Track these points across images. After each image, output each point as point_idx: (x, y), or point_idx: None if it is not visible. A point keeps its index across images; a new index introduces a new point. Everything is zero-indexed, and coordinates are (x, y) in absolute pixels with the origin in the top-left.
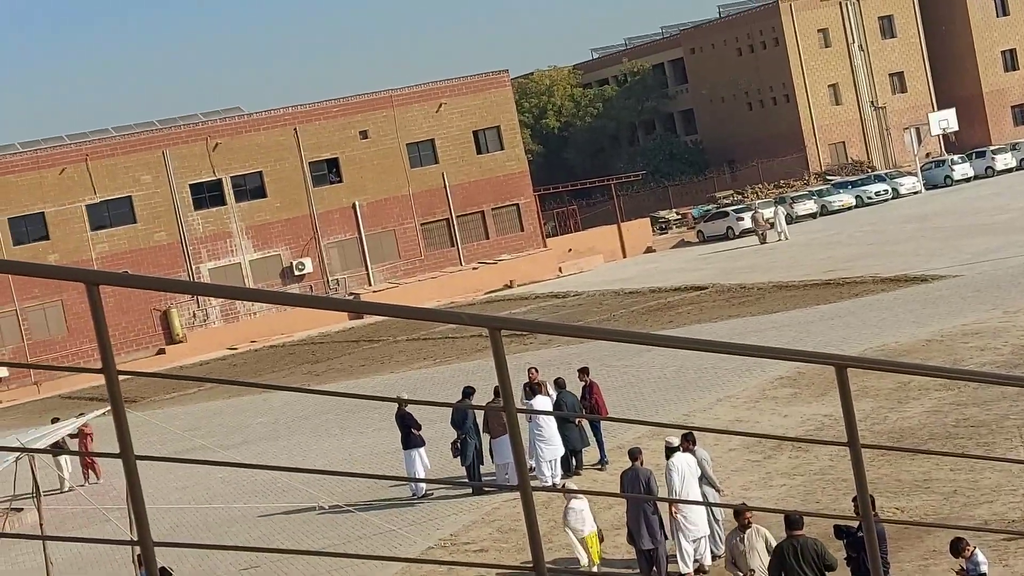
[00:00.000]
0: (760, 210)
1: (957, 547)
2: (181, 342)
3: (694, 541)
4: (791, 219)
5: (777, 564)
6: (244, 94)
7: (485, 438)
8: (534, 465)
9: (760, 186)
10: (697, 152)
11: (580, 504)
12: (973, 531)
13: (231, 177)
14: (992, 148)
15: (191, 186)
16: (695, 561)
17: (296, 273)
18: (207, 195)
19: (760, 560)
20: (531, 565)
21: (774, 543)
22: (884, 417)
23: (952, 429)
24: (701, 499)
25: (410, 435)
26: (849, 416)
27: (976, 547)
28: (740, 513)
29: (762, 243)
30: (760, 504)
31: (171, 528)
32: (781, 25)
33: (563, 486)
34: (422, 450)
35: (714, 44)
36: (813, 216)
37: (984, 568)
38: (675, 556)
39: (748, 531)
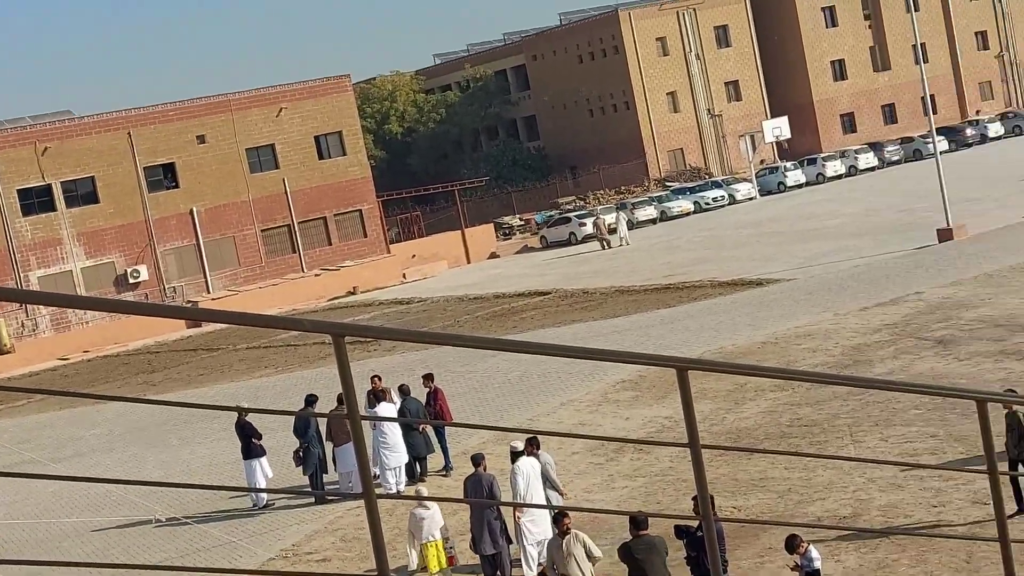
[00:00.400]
0: (602, 216)
1: (792, 544)
2: (9, 352)
3: (537, 544)
4: (632, 225)
5: (625, 563)
6: (74, 98)
7: (328, 447)
8: (378, 473)
9: (602, 192)
10: (540, 158)
11: (425, 512)
12: (807, 527)
13: (61, 182)
14: (823, 155)
15: (19, 191)
16: (539, 564)
17: (131, 281)
18: (36, 200)
19: (577, 566)
20: (375, 574)
21: (593, 548)
22: (722, 418)
23: (786, 429)
24: (545, 503)
25: (250, 445)
26: (690, 417)
27: (810, 543)
28: (558, 520)
29: (604, 248)
30: (603, 506)
31: None
32: (620, 33)
33: (416, 492)
34: (263, 459)
35: (555, 51)
36: (653, 222)
37: (817, 564)
38: (519, 560)
39: (567, 537)
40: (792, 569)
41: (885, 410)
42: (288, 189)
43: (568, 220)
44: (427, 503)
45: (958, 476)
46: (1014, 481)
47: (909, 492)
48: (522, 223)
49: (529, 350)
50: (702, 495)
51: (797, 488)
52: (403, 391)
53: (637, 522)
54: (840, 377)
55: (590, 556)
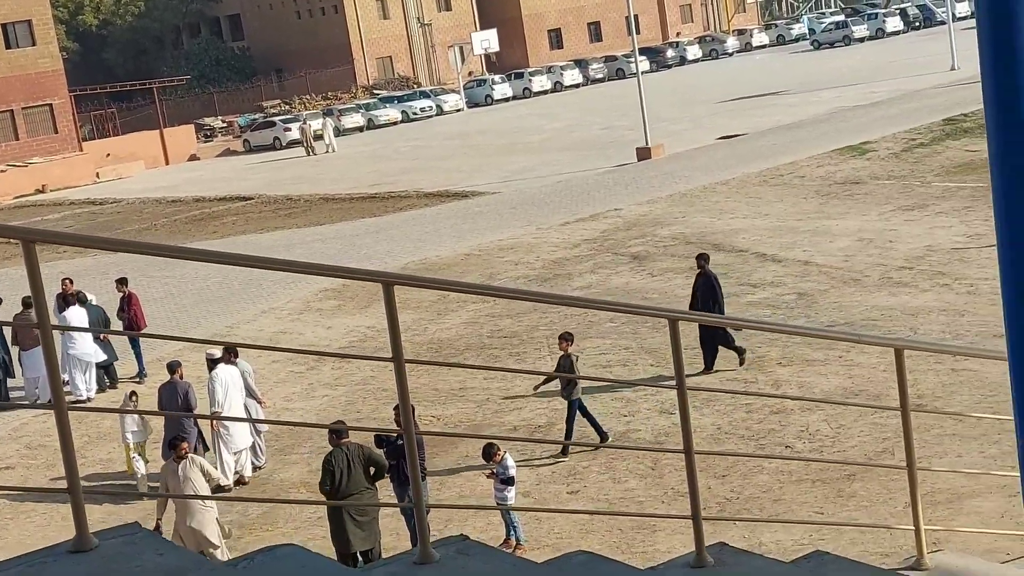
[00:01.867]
0: (308, 121)
1: (489, 452)
2: None
3: (235, 453)
4: (338, 132)
5: (328, 473)
6: None
7: (14, 350)
8: (68, 379)
9: (308, 97)
10: (244, 59)
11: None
12: (504, 439)
13: None
14: (530, 70)
15: None
16: (236, 473)
17: None
18: None
19: (194, 489)
20: (65, 487)
21: (212, 471)
22: (424, 328)
23: (487, 340)
24: (243, 411)
25: None
26: (394, 332)
27: (506, 452)
28: (175, 445)
29: (309, 155)
30: (303, 415)
31: None
32: None
33: (127, 394)
34: None
35: None
36: (360, 129)
37: (512, 471)
38: (215, 467)
39: (183, 462)
40: (488, 476)
41: (582, 323)
42: None
43: (273, 124)
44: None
45: (647, 387)
46: (568, 422)
47: (601, 402)
48: (224, 125)
49: (229, 261)
50: (404, 407)
51: (495, 398)
52: (80, 299)
53: (338, 432)
54: (543, 295)
55: (208, 478)
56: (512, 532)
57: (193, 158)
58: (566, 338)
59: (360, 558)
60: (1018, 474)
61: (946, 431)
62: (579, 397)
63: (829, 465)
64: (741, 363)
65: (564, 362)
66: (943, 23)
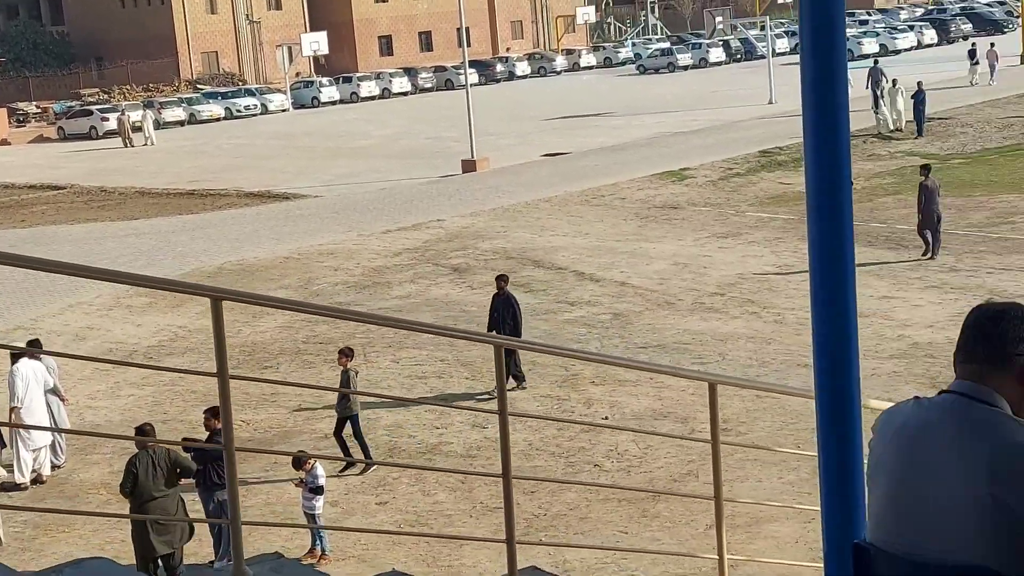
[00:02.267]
0: (127, 112)
1: (299, 460)
2: None
3: (34, 451)
4: (159, 125)
5: (130, 475)
6: None
7: None
8: None
9: (128, 87)
10: (64, 44)
11: None
12: (322, 457)
13: None
14: (358, 75)
15: None
16: (33, 471)
17: None
18: None
19: None
20: None
21: None
22: (239, 331)
23: (302, 345)
24: (45, 407)
25: None
26: (220, 347)
27: (317, 461)
28: None
29: (127, 147)
30: (107, 414)
31: None
32: None
33: None
34: None
35: None
36: (181, 124)
37: (322, 480)
38: (11, 465)
39: None
40: (297, 485)
41: (399, 332)
42: None
43: (90, 113)
44: None
45: (461, 399)
46: (338, 438)
47: (414, 413)
48: (39, 111)
49: (53, 269)
50: (226, 424)
51: (308, 404)
52: None
53: (144, 432)
54: (377, 317)
55: None
56: (319, 542)
57: (4, 143)
58: (346, 353)
59: (160, 563)
60: (810, 504)
61: (748, 456)
62: (357, 412)
63: (636, 484)
64: (515, 387)
65: (343, 377)
66: (763, 57)
